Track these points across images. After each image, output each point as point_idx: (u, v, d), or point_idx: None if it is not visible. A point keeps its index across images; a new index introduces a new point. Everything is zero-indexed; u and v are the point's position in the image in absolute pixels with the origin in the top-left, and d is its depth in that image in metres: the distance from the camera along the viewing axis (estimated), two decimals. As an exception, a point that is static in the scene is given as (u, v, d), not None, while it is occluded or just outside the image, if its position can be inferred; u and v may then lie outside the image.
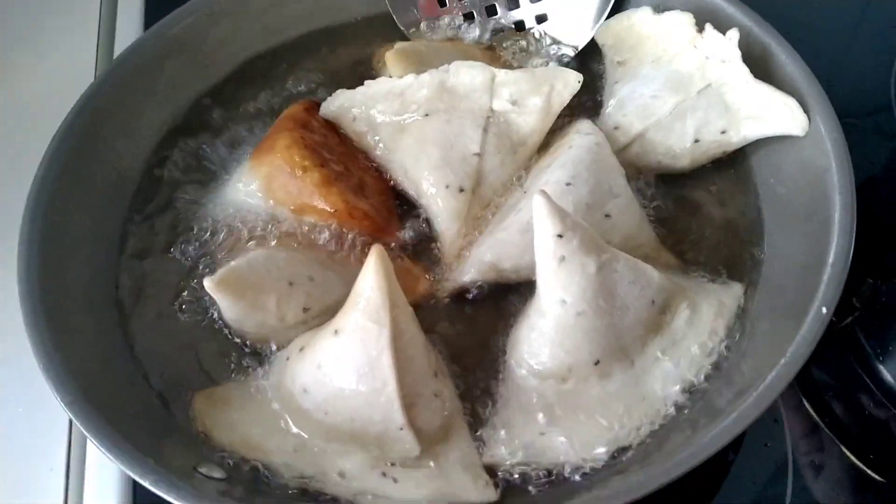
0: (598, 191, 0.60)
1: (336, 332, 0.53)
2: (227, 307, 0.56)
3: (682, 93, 0.64)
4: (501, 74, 0.65)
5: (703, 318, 0.57)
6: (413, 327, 0.55)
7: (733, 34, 0.62)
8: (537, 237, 0.54)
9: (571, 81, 0.64)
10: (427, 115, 0.65)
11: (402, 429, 0.52)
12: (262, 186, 0.64)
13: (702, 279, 0.62)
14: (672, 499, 0.59)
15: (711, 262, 0.63)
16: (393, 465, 0.53)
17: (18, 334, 0.63)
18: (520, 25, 0.77)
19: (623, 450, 0.54)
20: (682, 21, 0.66)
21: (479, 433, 0.56)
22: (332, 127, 0.69)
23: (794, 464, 0.61)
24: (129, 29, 0.89)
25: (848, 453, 0.62)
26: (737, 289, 0.60)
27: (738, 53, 0.62)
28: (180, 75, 0.73)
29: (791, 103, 0.60)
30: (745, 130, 0.63)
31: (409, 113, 0.66)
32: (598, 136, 0.64)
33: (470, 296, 0.62)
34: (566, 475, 0.53)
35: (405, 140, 0.65)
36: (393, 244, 0.64)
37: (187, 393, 0.58)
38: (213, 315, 0.61)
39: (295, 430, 0.55)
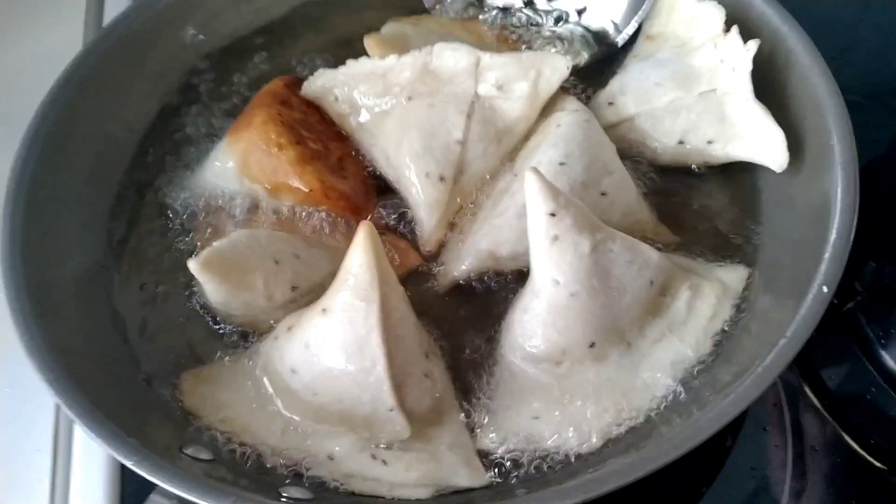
0: (592, 168, 0.59)
1: (324, 310, 0.52)
2: (213, 289, 0.55)
3: (685, 89, 0.62)
4: (487, 58, 0.62)
5: (705, 301, 0.56)
6: (403, 306, 0.54)
7: (752, 45, 0.59)
8: (530, 216, 0.53)
9: (560, 66, 0.62)
10: (410, 98, 0.63)
11: (391, 410, 0.51)
12: (238, 164, 0.63)
13: (704, 260, 0.60)
14: (670, 483, 0.59)
15: (710, 242, 0.62)
16: (383, 447, 0.52)
17: (2, 313, 0.63)
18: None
19: (618, 435, 0.53)
20: (715, 15, 0.64)
21: (471, 418, 0.55)
22: (313, 104, 0.67)
23: (794, 449, 0.60)
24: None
25: (848, 439, 0.61)
26: (741, 271, 0.59)
27: (750, 67, 0.59)
28: (171, 48, 0.71)
29: (778, 137, 0.58)
30: (730, 148, 0.62)
31: (392, 95, 0.64)
32: (585, 112, 0.63)
33: (463, 282, 0.61)
34: (560, 459, 0.52)
35: (388, 124, 0.64)
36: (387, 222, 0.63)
37: (174, 374, 0.57)
38: (195, 304, 0.60)
39: (283, 411, 0.54)
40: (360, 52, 0.67)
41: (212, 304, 0.58)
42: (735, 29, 0.61)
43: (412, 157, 0.61)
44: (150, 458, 0.48)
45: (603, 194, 0.59)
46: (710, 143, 0.62)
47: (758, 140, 0.60)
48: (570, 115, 0.62)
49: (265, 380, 0.55)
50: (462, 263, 0.60)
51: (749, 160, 0.61)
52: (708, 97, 0.62)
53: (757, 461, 0.60)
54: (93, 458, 0.62)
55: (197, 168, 0.66)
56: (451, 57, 0.63)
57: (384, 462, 0.51)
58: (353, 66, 0.65)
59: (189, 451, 0.52)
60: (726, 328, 0.56)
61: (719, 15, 0.63)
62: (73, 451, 0.63)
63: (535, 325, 0.54)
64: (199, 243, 0.62)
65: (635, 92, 0.64)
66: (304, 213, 0.62)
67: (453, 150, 0.61)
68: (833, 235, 0.53)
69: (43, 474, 0.62)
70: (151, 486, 0.58)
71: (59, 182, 0.62)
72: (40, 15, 0.87)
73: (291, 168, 0.61)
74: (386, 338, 0.51)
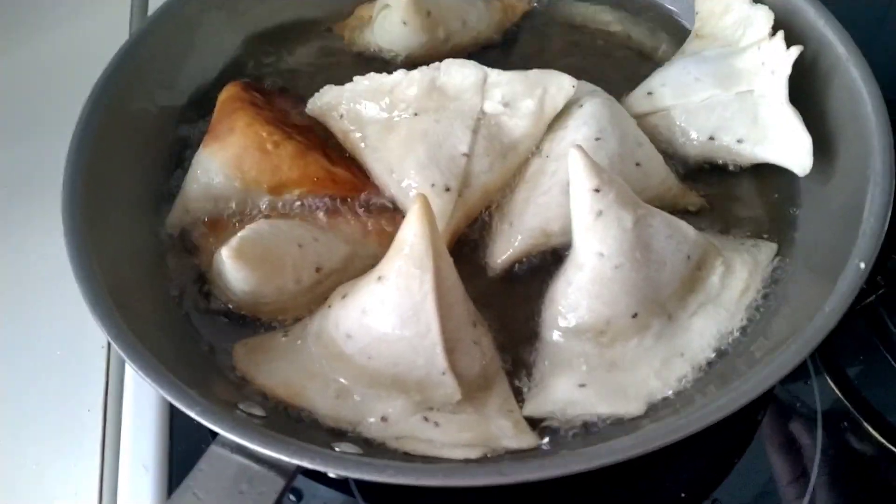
0: (625, 142, 0.62)
1: (380, 278, 0.54)
2: (245, 277, 0.56)
3: (723, 87, 0.64)
4: (494, 75, 0.64)
5: (738, 276, 0.58)
6: (454, 276, 0.56)
7: (794, 50, 0.61)
8: (574, 192, 0.55)
9: (566, 85, 0.63)
10: (416, 114, 0.64)
11: (444, 373, 0.53)
12: (229, 171, 0.62)
13: (735, 238, 0.63)
14: (703, 454, 0.61)
15: (744, 220, 0.64)
16: (434, 409, 0.54)
17: (57, 277, 0.66)
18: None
19: (659, 403, 0.54)
20: (764, 18, 0.66)
21: (517, 387, 0.57)
22: (271, 102, 0.67)
23: (824, 428, 0.62)
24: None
25: (873, 431, 0.63)
26: (771, 247, 0.61)
27: (788, 71, 0.61)
28: (219, 29, 0.74)
29: (805, 143, 0.60)
30: (758, 149, 0.63)
31: (398, 111, 0.64)
32: (602, 91, 0.65)
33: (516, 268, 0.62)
34: (603, 425, 0.54)
35: (392, 139, 0.64)
36: (377, 202, 0.64)
37: (229, 342, 0.59)
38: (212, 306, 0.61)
39: (337, 376, 0.56)
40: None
41: (238, 297, 0.58)
42: (780, 34, 0.63)
43: (417, 168, 0.62)
44: (212, 408, 0.49)
45: (637, 164, 0.62)
46: (739, 141, 0.64)
47: (785, 143, 0.62)
48: (590, 94, 0.64)
49: (318, 347, 0.57)
50: (514, 244, 0.61)
51: (774, 162, 0.63)
52: (744, 97, 0.64)
53: (786, 437, 0.62)
54: (142, 417, 0.64)
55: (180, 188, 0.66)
56: (459, 73, 0.64)
57: (436, 424, 0.53)
58: (359, 83, 0.66)
59: (243, 406, 0.53)
60: (760, 302, 0.58)
61: (768, 19, 0.65)
62: (123, 409, 0.65)
63: (579, 296, 0.56)
64: (201, 261, 0.62)
65: (674, 85, 0.66)
66: (299, 205, 0.63)
67: (458, 162, 0.62)
68: (869, 212, 0.55)
69: (94, 433, 0.64)
70: (200, 446, 0.60)
71: (114, 156, 0.64)
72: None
73: (294, 161, 0.62)
74: (440, 304, 0.52)
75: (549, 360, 0.57)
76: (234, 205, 0.63)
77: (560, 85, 0.63)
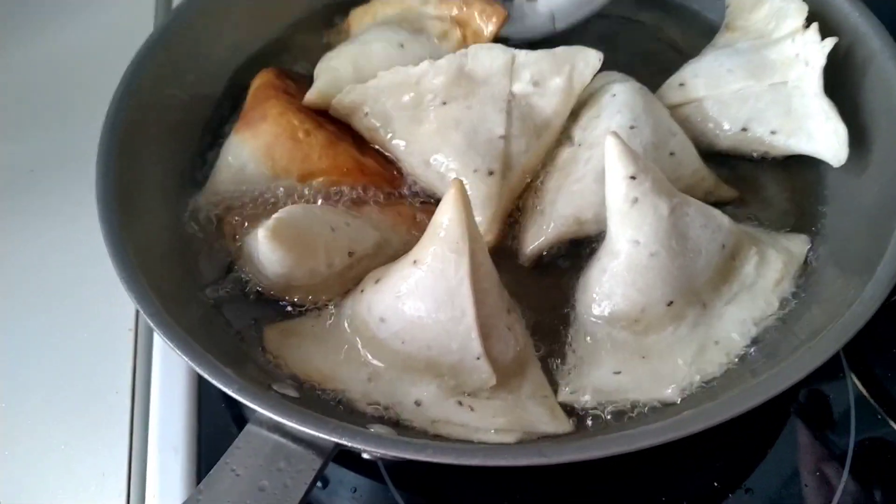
0: (659, 131, 0.62)
1: (415, 262, 0.54)
2: (279, 259, 0.56)
3: (756, 78, 0.64)
4: (522, 55, 0.64)
5: (771, 266, 0.58)
6: (488, 261, 0.56)
7: (829, 42, 0.61)
8: (609, 179, 0.55)
9: (592, 60, 0.63)
10: (445, 102, 0.64)
11: (479, 358, 0.53)
12: (259, 159, 0.62)
13: (767, 229, 0.63)
14: (735, 443, 0.61)
15: (774, 213, 0.64)
16: (468, 395, 0.54)
17: (82, 261, 0.67)
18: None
19: (694, 391, 0.54)
20: (798, 10, 0.65)
21: (552, 374, 0.57)
22: (304, 90, 0.67)
23: (857, 420, 0.61)
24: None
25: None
26: (803, 239, 0.61)
27: (823, 62, 0.61)
28: (251, 15, 0.74)
29: (841, 133, 0.60)
30: (792, 141, 0.63)
31: (426, 102, 0.64)
32: (634, 80, 0.65)
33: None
34: (639, 412, 0.54)
35: (423, 130, 0.64)
36: (406, 192, 0.65)
37: (258, 327, 0.59)
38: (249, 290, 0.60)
39: (370, 359, 0.56)
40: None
41: (270, 280, 0.58)
42: (815, 25, 0.63)
43: (456, 155, 0.61)
44: (248, 387, 0.49)
45: (672, 154, 0.62)
46: (773, 133, 0.64)
47: (820, 134, 0.62)
48: (622, 83, 0.64)
49: (351, 331, 0.57)
50: (546, 231, 0.61)
51: (809, 153, 0.63)
52: (777, 88, 0.64)
53: (819, 427, 0.62)
54: (171, 399, 0.64)
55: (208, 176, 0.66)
56: (487, 56, 0.64)
57: (471, 408, 0.53)
58: (384, 78, 0.64)
59: (276, 387, 0.53)
60: (794, 292, 0.58)
61: (802, 11, 0.65)
62: (151, 391, 0.65)
63: (614, 284, 0.56)
64: (230, 246, 0.62)
65: (707, 76, 0.66)
66: (327, 193, 0.63)
67: (497, 145, 0.62)
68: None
69: (122, 414, 0.64)
70: (229, 429, 0.61)
71: (146, 141, 0.64)
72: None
73: (324, 151, 0.62)
74: (475, 289, 0.52)
75: (582, 347, 0.57)
76: (262, 191, 0.63)
77: (587, 59, 0.64)
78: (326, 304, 0.59)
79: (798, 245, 0.61)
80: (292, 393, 0.53)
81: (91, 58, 0.85)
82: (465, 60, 0.64)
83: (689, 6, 0.79)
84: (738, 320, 0.56)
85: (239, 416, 0.62)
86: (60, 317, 0.69)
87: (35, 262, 0.73)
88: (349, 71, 0.67)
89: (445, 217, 0.53)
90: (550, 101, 0.64)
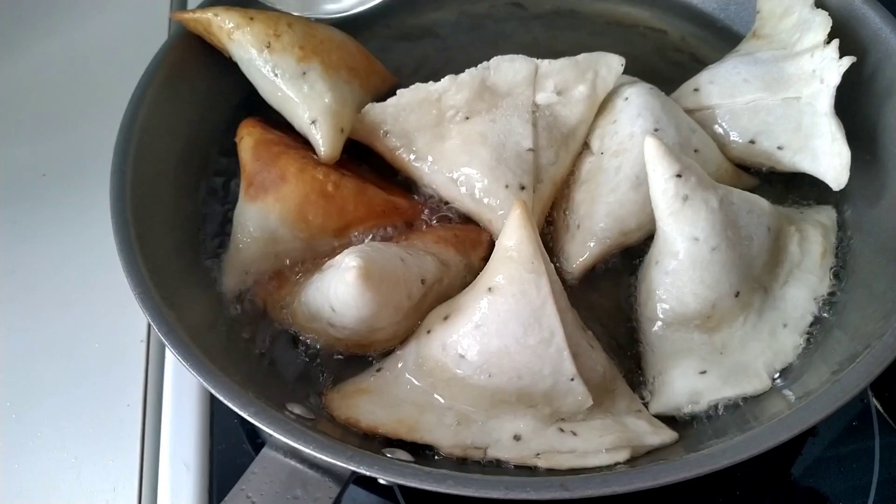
0: (681, 130, 0.62)
1: (490, 289, 0.51)
2: (370, 300, 0.51)
3: (770, 91, 0.63)
4: (545, 65, 0.64)
5: (812, 240, 0.59)
6: (557, 280, 0.53)
7: (846, 61, 0.59)
8: (654, 182, 0.55)
9: (615, 65, 0.64)
10: (468, 117, 0.62)
11: (572, 379, 0.50)
12: (291, 222, 0.58)
13: (797, 206, 0.63)
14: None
15: (798, 191, 0.64)
16: (565, 420, 0.51)
17: (95, 271, 0.66)
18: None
19: (780, 369, 0.54)
20: (822, 24, 0.63)
21: (638, 389, 0.55)
22: (293, 137, 0.64)
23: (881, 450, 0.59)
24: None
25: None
26: (829, 210, 0.62)
27: (837, 81, 0.59)
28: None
29: (844, 156, 0.58)
30: (797, 158, 0.62)
31: (448, 118, 0.62)
32: (643, 82, 0.65)
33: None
34: (730, 405, 0.53)
35: (447, 146, 0.62)
36: (426, 216, 0.62)
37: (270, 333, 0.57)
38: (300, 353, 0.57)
39: (452, 402, 0.52)
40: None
41: (351, 330, 0.53)
42: (835, 42, 0.61)
43: (485, 170, 0.60)
44: (265, 410, 0.47)
45: (696, 151, 0.62)
46: (780, 148, 0.63)
47: (824, 155, 0.60)
48: (632, 87, 0.64)
49: (422, 376, 0.53)
50: (590, 246, 0.60)
51: (811, 173, 0.62)
52: (790, 103, 0.62)
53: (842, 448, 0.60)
54: (182, 414, 0.62)
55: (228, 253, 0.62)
56: (510, 69, 0.63)
57: (573, 433, 0.50)
58: (404, 96, 0.63)
59: (291, 408, 0.51)
60: (841, 265, 0.58)
61: (825, 25, 0.63)
62: (163, 405, 0.63)
63: (680, 284, 0.55)
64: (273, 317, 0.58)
65: (722, 84, 0.65)
66: (367, 240, 0.60)
67: (526, 158, 0.60)
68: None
69: (134, 428, 0.61)
70: (241, 445, 0.60)
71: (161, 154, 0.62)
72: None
73: (358, 199, 0.59)
74: (558, 307, 0.50)
75: (658, 354, 0.56)
76: (298, 255, 0.59)
77: (609, 65, 0.64)
78: (383, 357, 0.56)
79: (827, 216, 0.62)
80: (308, 414, 0.51)
81: (104, 62, 0.83)
82: (488, 74, 0.63)
83: (718, 17, 0.78)
84: (798, 298, 0.57)
85: (252, 433, 0.60)
86: (71, 325, 0.67)
87: (46, 269, 0.70)
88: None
89: (513, 238, 0.51)
90: (575, 109, 0.63)
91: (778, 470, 0.56)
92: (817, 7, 0.65)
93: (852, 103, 0.61)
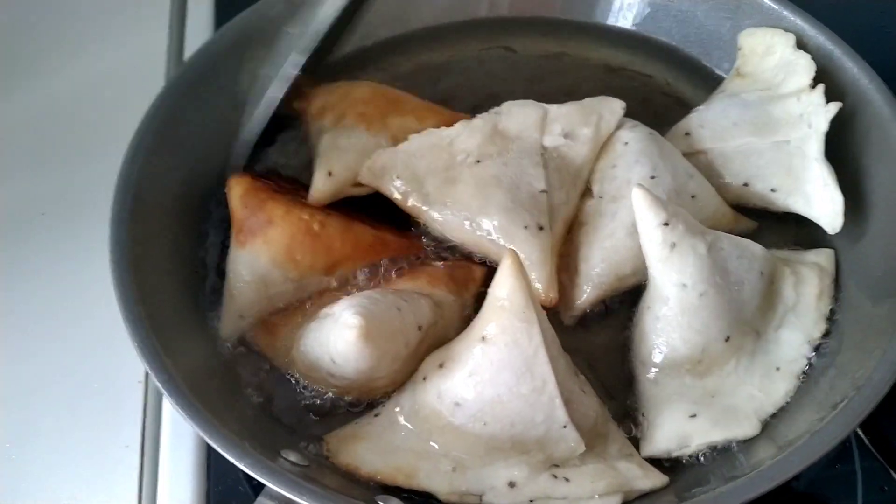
0: (678, 175, 0.63)
1: (483, 338, 0.52)
2: (369, 354, 0.52)
3: (760, 135, 0.64)
4: (553, 109, 0.65)
5: (807, 282, 0.59)
6: (550, 327, 0.54)
7: (833, 107, 0.60)
8: (644, 230, 0.56)
9: (617, 109, 0.66)
10: (479, 161, 0.63)
11: (565, 426, 0.51)
12: (281, 263, 0.59)
13: (793, 249, 0.64)
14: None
15: (793, 233, 0.65)
16: (558, 466, 0.52)
17: (92, 310, 0.67)
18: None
19: (771, 416, 0.55)
20: (806, 68, 0.64)
21: (630, 433, 0.56)
22: (284, 184, 0.65)
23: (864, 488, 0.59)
24: (199, 25, 0.89)
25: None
26: (829, 252, 0.63)
27: (825, 127, 0.60)
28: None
29: (837, 202, 0.59)
30: (791, 201, 0.63)
31: (458, 162, 0.63)
32: (642, 125, 0.66)
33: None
34: (721, 450, 0.54)
35: (459, 190, 0.62)
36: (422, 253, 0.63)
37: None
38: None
39: (448, 450, 0.53)
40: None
41: (350, 381, 0.55)
42: (821, 87, 0.62)
43: (502, 213, 0.60)
44: (261, 461, 0.48)
45: (693, 197, 0.62)
46: (773, 191, 0.64)
47: (817, 199, 0.61)
48: (632, 131, 0.65)
49: (418, 423, 0.54)
50: (586, 290, 0.61)
51: (806, 216, 0.62)
52: (780, 147, 0.63)
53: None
54: (180, 455, 0.62)
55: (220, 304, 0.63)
56: (521, 113, 0.65)
57: (566, 479, 0.51)
58: (414, 141, 0.64)
59: (286, 455, 0.52)
60: (835, 308, 0.59)
61: (810, 69, 0.64)
62: (160, 446, 0.63)
63: (670, 329, 0.56)
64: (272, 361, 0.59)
65: (713, 128, 0.65)
66: (353, 278, 0.61)
67: (540, 199, 0.61)
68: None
69: (132, 469, 0.62)
70: (238, 487, 0.60)
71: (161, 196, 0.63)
72: (123, 40, 0.89)
73: (344, 236, 0.60)
74: (549, 355, 0.51)
75: (650, 398, 0.57)
76: (291, 296, 0.60)
77: (612, 109, 0.66)
78: (381, 401, 0.57)
79: (825, 258, 0.62)
80: (303, 461, 0.52)
81: (103, 100, 0.83)
82: (499, 118, 0.65)
83: (700, 61, 0.79)
84: (792, 342, 0.57)
85: (249, 476, 0.58)
86: (68, 364, 0.67)
87: (44, 309, 0.70)
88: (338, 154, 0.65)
89: (505, 287, 0.52)
90: (580, 150, 0.64)
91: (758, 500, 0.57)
92: (799, 48, 0.66)
93: (830, 146, 0.61)
